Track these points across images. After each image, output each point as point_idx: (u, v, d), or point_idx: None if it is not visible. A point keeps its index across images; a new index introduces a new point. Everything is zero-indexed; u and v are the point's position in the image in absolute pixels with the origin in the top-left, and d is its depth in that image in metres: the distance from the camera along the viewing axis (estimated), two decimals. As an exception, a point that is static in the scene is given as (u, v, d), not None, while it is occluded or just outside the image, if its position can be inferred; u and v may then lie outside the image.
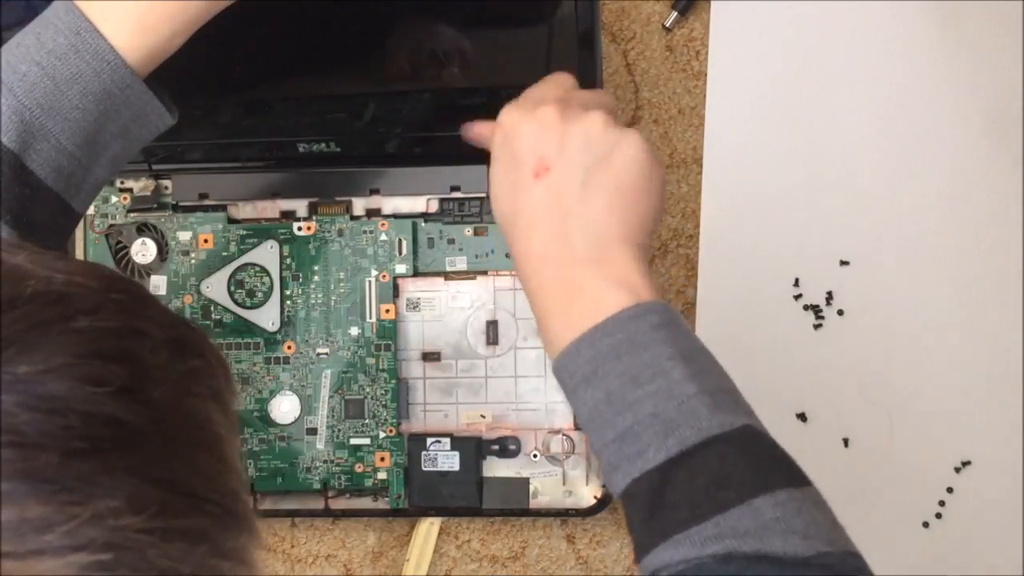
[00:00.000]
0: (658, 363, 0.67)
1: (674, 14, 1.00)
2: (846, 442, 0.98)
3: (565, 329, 0.70)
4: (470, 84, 0.95)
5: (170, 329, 0.53)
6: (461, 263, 1.01)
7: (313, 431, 1.02)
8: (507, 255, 1.00)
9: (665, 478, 0.65)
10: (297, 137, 0.99)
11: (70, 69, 0.73)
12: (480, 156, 0.99)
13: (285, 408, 1.02)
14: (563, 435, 0.99)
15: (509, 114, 0.77)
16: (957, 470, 0.97)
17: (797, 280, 0.99)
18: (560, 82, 0.80)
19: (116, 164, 0.79)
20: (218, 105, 0.98)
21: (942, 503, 0.97)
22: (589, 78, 0.91)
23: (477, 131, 0.84)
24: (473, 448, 1.00)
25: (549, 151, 0.73)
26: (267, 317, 1.02)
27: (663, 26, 1.00)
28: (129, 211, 1.03)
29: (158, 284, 1.02)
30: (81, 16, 0.74)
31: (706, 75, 1.00)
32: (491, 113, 0.93)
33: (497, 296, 1.01)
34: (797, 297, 0.99)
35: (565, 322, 0.71)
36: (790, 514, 0.64)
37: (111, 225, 1.03)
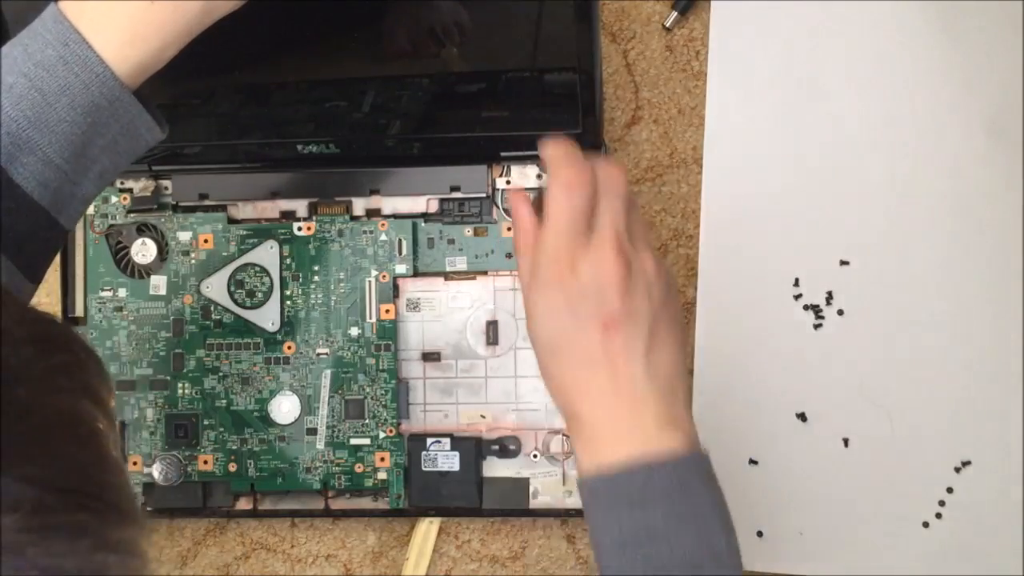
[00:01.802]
0: (701, 511, 0.72)
1: (674, 14, 1.00)
2: (846, 442, 0.98)
3: (615, 442, 0.73)
4: (469, 68, 0.95)
5: (31, 325, 0.52)
6: (461, 263, 1.01)
7: (313, 431, 1.02)
8: (508, 255, 1.00)
9: None
10: (296, 138, 0.99)
11: (58, 81, 0.72)
12: (480, 157, 1.00)
13: (285, 408, 1.02)
14: (563, 435, 0.99)
15: (560, 237, 0.74)
16: (957, 470, 0.97)
17: (797, 280, 0.99)
18: (582, 189, 0.75)
19: (105, 179, 0.78)
20: (216, 93, 0.98)
21: (942, 503, 0.97)
22: (589, 78, 0.91)
23: (521, 212, 0.78)
24: (473, 448, 1.00)
25: (614, 306, 0.73)
26: (267, 317, 1.02)
27: (663, 26, 1.00)
28: (129, 211, 1.03)
29: (158, 284, 1.02)
30: (70, 27, 0.73)
31: (706, 75, 1.00)
32: (489, 99, 0.94)
33: (497, 296, 1.01)
34: (797, 297, 0.99)
35: (618, 436, 0.73)
36: None
37: (111, 225, 1.03)
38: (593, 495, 0.73)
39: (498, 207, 1.01)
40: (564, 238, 0.74)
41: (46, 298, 1.03)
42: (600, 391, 0.73)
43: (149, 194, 1.03)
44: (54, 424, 0.50)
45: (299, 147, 0.99)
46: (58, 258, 1.03)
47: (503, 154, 1.00)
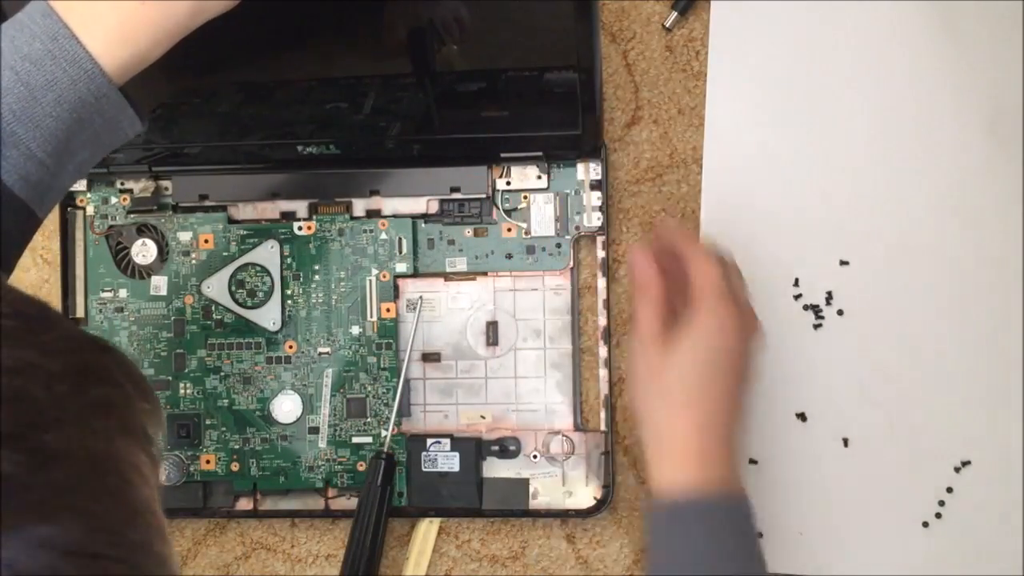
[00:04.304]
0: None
1: (674, 14, 0.99)
2: (846, 442, 0.98)
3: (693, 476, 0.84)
4: (469, 67, 0.95)
5: (71, 356, 0.48)
6: (461, 264, 1.01)
7: (315, 430, 1.02)
8: (508, 255, 1.00)
9: None
10: (296, 138, 0.99)
11: (45, 76, 0.72)
12: (480, 157, 1.00)
13: (287, 407, 1.02)
14: (563, 436, 0.99)
15: (729, 309, 0.86)
16: (957, 470, 0.97)
17: (797, 280, 0.98)
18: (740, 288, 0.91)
19: (82, 170, 0.78)
20: (217, 93, 0.98)
21: (942, 503, 0.97)
22: (588, 78, 0.91)
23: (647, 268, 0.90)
24: (473, 449, 1.00)
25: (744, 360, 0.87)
26: (268, 317, 1.02)
27: (663, 26, 1.00)
28: (129, 212, 1.03)
29: (159, 285, 1.03)
30: (59, 21, 0.72)
31: (706, 75, 1.00)
32: (489, 99, 0.93)
33: (497, 297, 1.01)
34: (797, 297, 0.99)
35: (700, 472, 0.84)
36: None
37: (111, 226, 1.04)
38: (684, 514, 0.83)
39: (498, 208, 1.01)
40: (735, 310, 0.87)
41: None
42: (715, 419, 0.86)
43: (149, 195, 1.03)
44: (82, 473, 0.46)
45: (299, 148, 0.99)
46: (58, 260, 1.03)
47: (503, 155, 1.00)
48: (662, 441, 0.85)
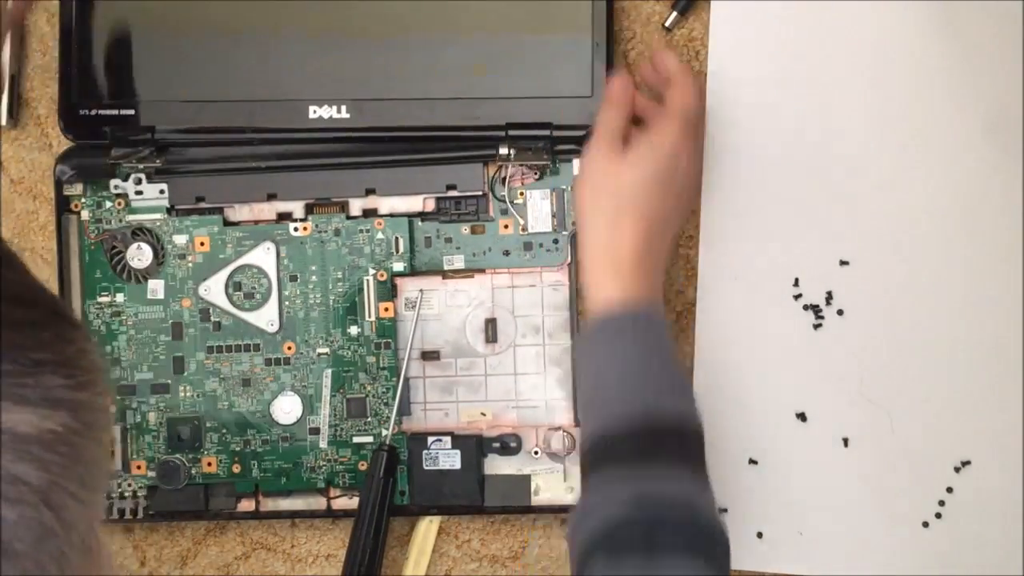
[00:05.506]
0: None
1: (674, 14, 0.99)
2: (846, 442, 0.98)
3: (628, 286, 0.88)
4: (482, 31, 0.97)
5: None
6: (459, 261, 1.01)
7: (316, 431, 1.02)
8: (505, 252, 1.00)
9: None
10: (308, 98, 0.99)
11: None
12: (475, 157, 0.99)
13: (287, 408, 1.02)
14: (564, 431, 1.00)
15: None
16: (957, 470, 0.97)
17: (797, 280, 0.98)
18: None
19: None
20: (226, 48, 0.98)
21: (942, 503, 0.97)
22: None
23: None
24: (474, 446, 1.01)
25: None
26: (266, 318, 1.02)
27: (663, 26, 0.99)
28: (124, 216, 1.02)
29: (156, 288, 1.02)
30: None
31: (706, 75, 0.99)
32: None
33: (495, 294, 1.01)
34: (797, 297, 0.98)
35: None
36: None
37: (106, 230, 1.03)
38: (643, 316, 0.87)
39: (501, 199, 1.00)
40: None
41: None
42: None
43: (143, 197, 1.02)
44: None
45: (311, 110, 0.98)
46: (55, 264, 1.02)
47: (511, 132, 0.98)
48: (604, 246, 0.88)
